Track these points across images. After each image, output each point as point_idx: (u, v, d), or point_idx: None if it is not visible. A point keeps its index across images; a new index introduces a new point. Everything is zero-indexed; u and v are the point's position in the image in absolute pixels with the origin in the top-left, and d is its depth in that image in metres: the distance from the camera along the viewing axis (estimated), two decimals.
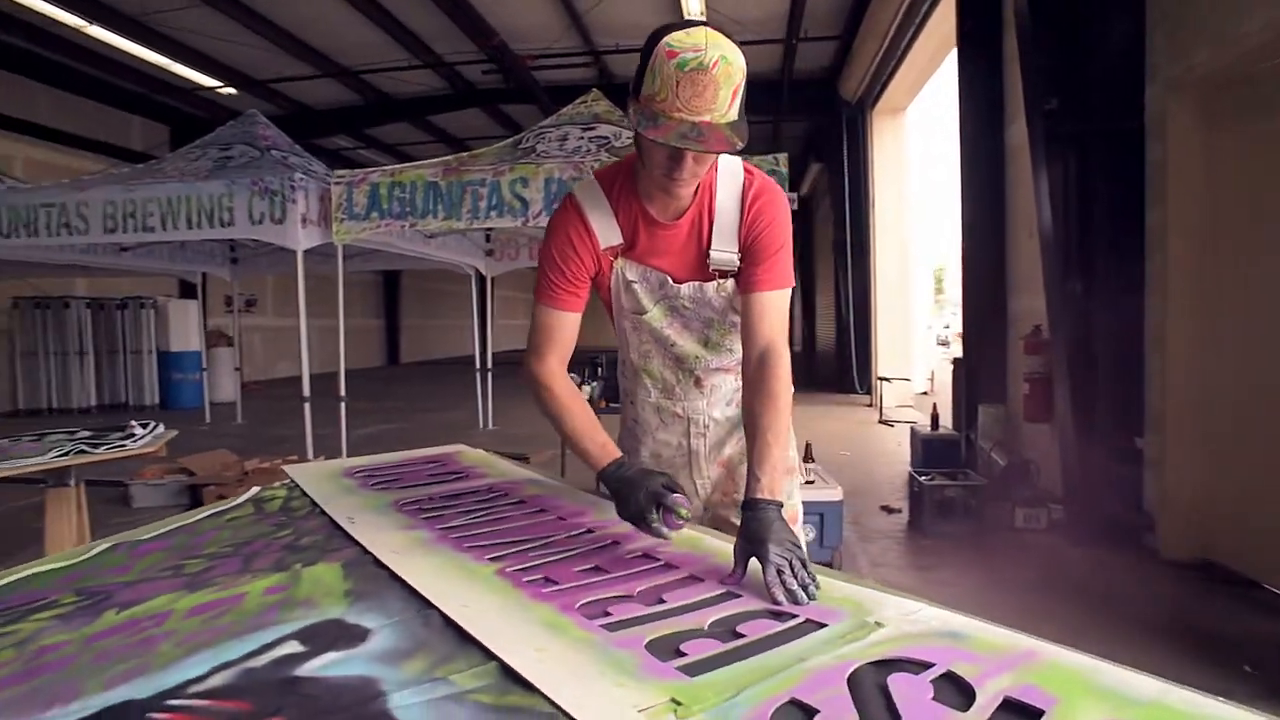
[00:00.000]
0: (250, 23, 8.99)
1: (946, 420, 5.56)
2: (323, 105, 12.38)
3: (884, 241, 9.47)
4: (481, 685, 0.83)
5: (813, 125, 12.29)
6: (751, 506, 1.19)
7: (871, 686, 0.80)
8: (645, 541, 1.30)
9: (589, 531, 1.40)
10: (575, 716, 0.74)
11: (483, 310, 8.72)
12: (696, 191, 1.37)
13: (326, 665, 0.89)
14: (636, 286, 1.46)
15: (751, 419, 1.31)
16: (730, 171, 1.41)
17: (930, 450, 4.77)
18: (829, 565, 3.30)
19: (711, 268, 1.42)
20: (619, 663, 0.86)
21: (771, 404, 1.29)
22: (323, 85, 11.31)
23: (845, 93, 9.81)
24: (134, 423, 2.97)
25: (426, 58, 10.35)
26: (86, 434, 2.85)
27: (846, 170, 9.86)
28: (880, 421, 7.80)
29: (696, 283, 1.44)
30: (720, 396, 1.59)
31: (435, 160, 5.14)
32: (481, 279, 8.49)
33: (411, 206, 4.94)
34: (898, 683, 0.80)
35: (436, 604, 1.06)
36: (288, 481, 1.93)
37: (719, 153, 1.22)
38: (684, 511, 1.22)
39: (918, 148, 9.81)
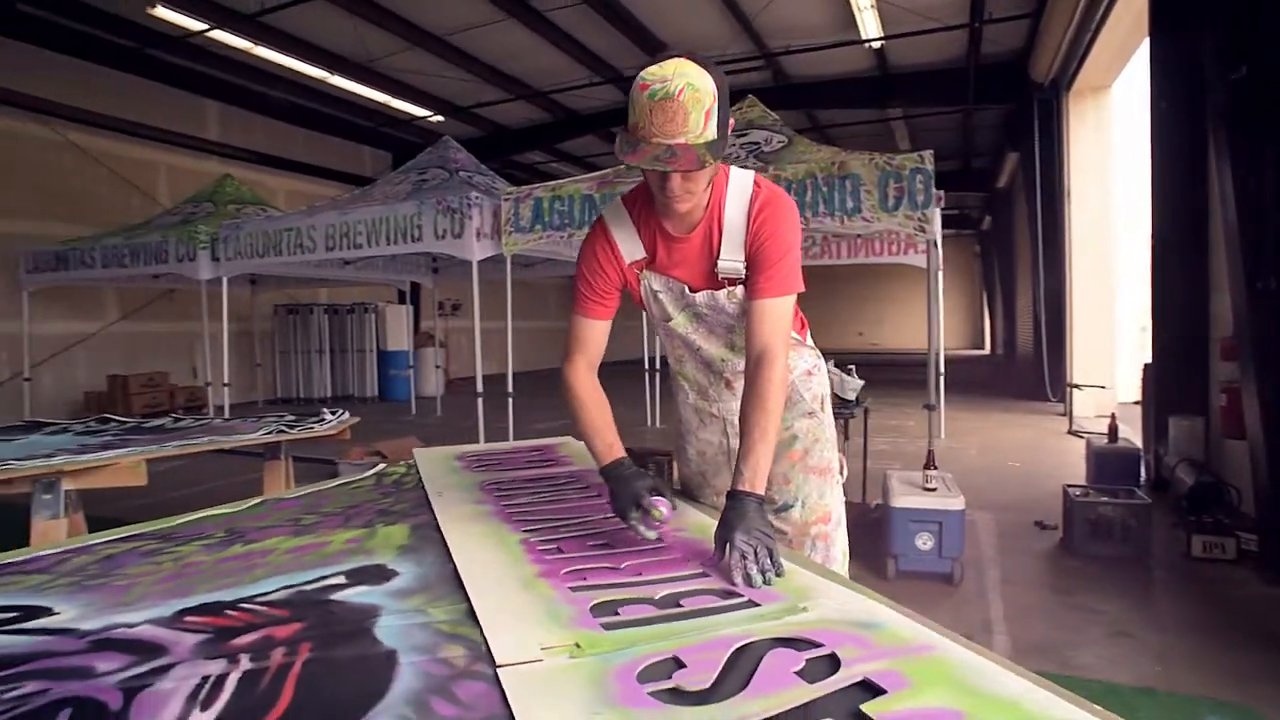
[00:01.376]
0: (454, 59, 10.10)
1: (1138, 432, 4.94)
2: (517, 125, 13.52)
3: (1082, 235, 8.50)
4: (448, 619, 1.04)
5: (1006, 112, 11.33)
6: (732, 497, 1.28)
7: (751, 657, 0.89)
8: (663, 527, 1.43)
9: None
10: (490, 644, 0.92)
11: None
12: (708, 205, 1.48)
13: (352, 595, 1.15)
14: (662, 296, 1.59)
15: (743, 417, 1.39)
16: (740, 186, 1.49)
17: (1103, 464, 4.30)
18: (948, 576, 3.16)
19: (720, 276, 1.51)
20: (557, 615, 1.03)
21: (760, 404, 1.36)
22: (516, 107, 12.36)
23: (1036, 74, 8.95)
24: (325, 410, 3.57)
25: (606, 74, 10.97)
26: (291, 418, 3.49)
27: (1039, 157, 8.99)
28: (1070, 432, 7.07)
29: (709, 291, 1.54)
30: None
31: (592, 174, 5.51)
32: None
33: (570, 218, 5.36)
34: (775, 656, 0.88)
35: (455, 560, 1.29)
36: (411, 461, 2.30)
37: (685, 171, 1.30)
38: (657, 513, 1.32)
39: (1125, 129, 8.64)
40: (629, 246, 1.56)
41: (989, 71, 9.88)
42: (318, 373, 11.97)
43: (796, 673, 0.84)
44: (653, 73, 1.27)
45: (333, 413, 3.56)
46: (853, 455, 4.28)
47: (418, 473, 2.12)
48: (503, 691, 0.81)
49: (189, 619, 1.06)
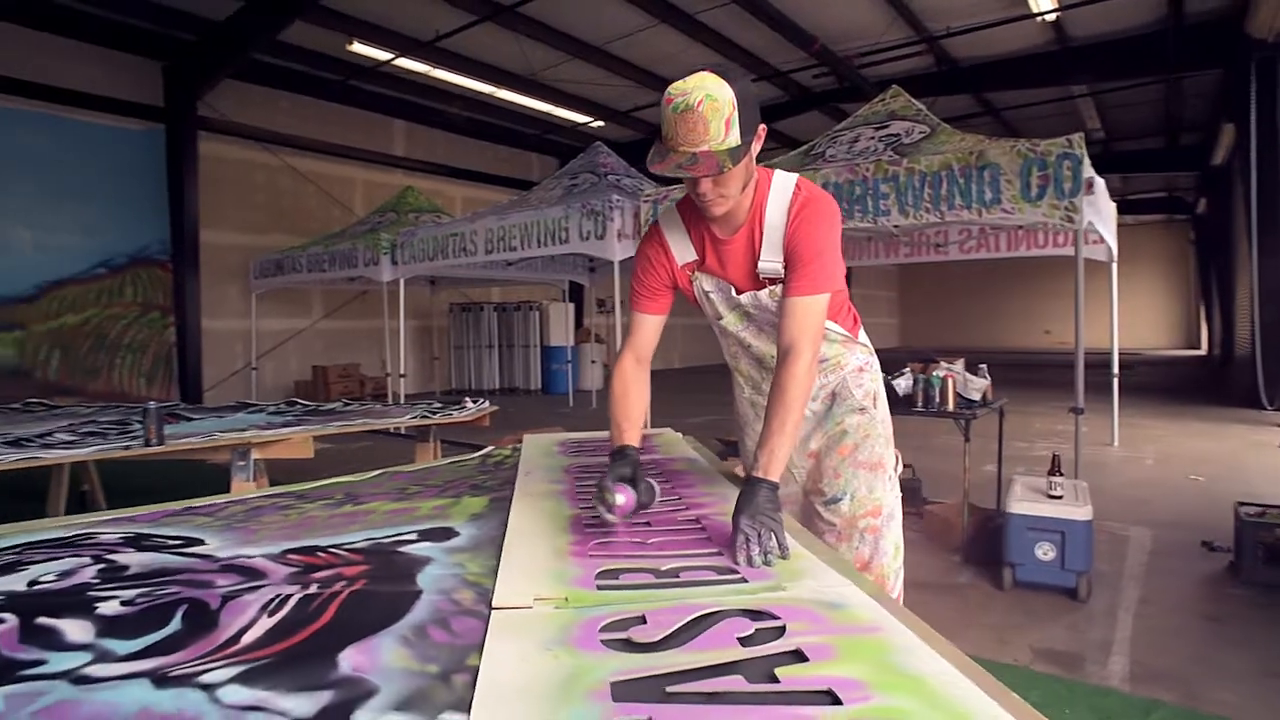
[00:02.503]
0: (610, 66, 10.55)
1: None
2: None
3: None
4: (478, 571, 1.22)
5: (1221, 79, 9.92)
6: (746, 483, 1.36)
7: (708, 622, 0.98)
8: (704, 510, 1.54)
9: (678, 498, 1.68)
10: (494, 591, 1.09)
11: None
12: (750, 208, 1.55)
13: (415, 549, 1.37)
14: (713, 296, 1.68)
15: (766, 409, 1.46)
16: (782, 188, 1.55)
17: None
18: (1071, 591, 2.94)
19: (762, 277, 1.58)
20: (563, 575, 1.18)
21: (781, 397, 1.42)
22: None
23: (1255, 30, 7.77)
24: (467, 399, 3.97)
25: (759, 71, 10.93)
26: (438, 405, 3.92)
27: (1255, 128, 7.80)
28: None
29: (753, 292, 1.62)
30: None
31: None
32: None
33: None
34: (729, 623, 0.97)
35: (509, 527, 1.48)
36: (518, 444, 2.55)
37: (704, 176, 1.39)
38: (610, 497, 1.39)
39: None
40: (681, 249, 1.66)
41: (1194, 33, 8.73)
42: (487, 366, 12.98)
43: (739, 638, 0.93)
44: (677, 87, 1.37)
45: (474, 401, 3.94)
46: (980, 458, 4.06)
47: (518, 454, 2.36)
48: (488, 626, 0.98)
49: (290, 556, 1.33)
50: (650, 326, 1.70)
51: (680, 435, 2.63)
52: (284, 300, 10.83)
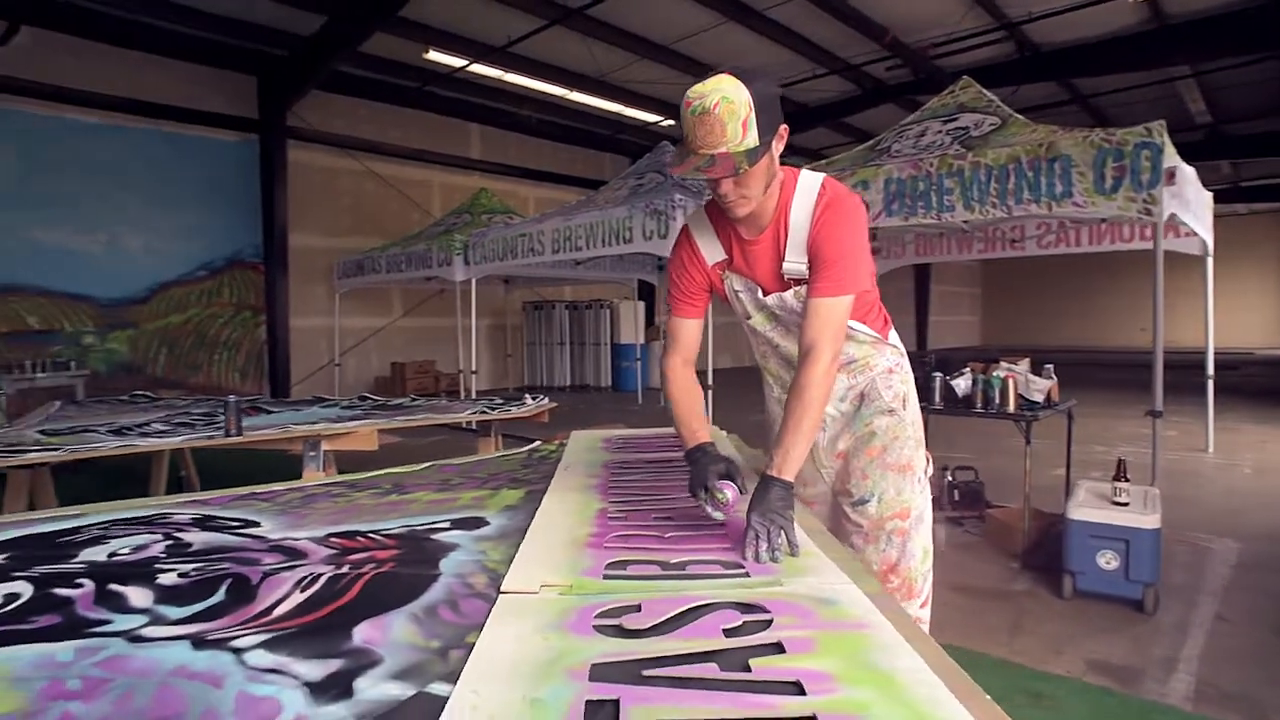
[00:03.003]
0: (679, 65, 10.57)
1: None
2: None
3: None
4: (498, 558, 1.30)
5: None
6: (760, 481, 1.38)
7: (699, 613, 1.02)
8: (729, 509, 1.57)
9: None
10: (506, 577, 1.16)
11: None
12: (776, 209, 1.56)
13: (446, 536, 1.46)
14: (742, 295, 1.70)
15: (785, 407, 1.47)
16: (807, 189, 1.55)
17: None
18: (1137, 603, 2.80)
19: (786, 278, 1.59)
20: (575, 564, 1.24)
21: (798, 396, 1.43)
22: None
23: None
24: (527, 396, 4.09)
25: (831, 65, 10.75)
26: (500, 401, 4.06)
27: None
28: None
29: (778, 293, 1.63)
30: (834, 394, 1.71)
31: None
32: None
33: None
34: (718, 614, 1.01)
35: (535, 518, 1.55)
36: (565, 440, 2.63)
37: (720, 178, 1.41)
38: (722, 495, 1.39)
39: None
40: (710, 249, 1.69)
41: None
42: (559, 363, 13.24)
43: (725, 629, 0.97)
44: (695, 90, 1.40)
45: (533, 398, 4.07)
46: (1043, 462, 3.91)
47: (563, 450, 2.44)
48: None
49: (331, 539, 1.44)
50: (691, 330, 1.72)
51: (724, 434, 2.65)
52: (365, 299, 11.34)
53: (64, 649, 0.95)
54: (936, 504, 4.30)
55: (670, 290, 1.76)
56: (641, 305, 13.11)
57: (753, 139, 1.38)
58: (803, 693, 0.79)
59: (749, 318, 1.74)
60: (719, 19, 9.26)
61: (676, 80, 10.99)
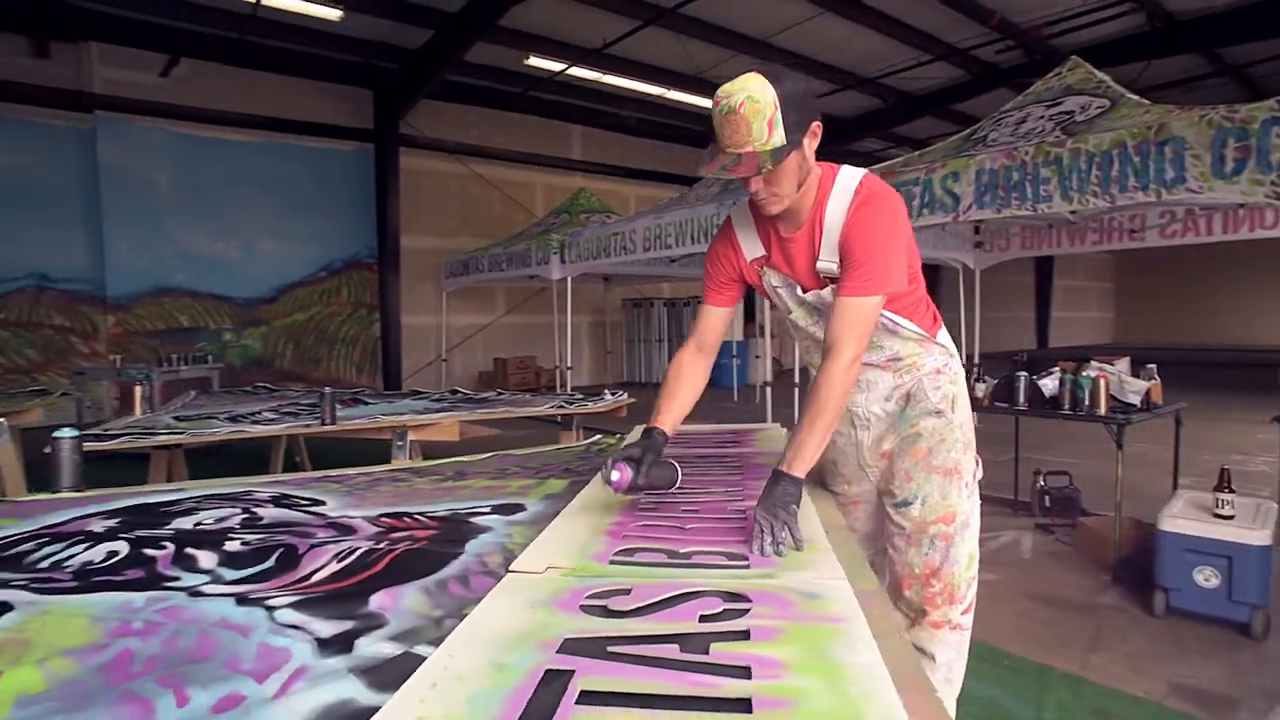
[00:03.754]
0: (776, 59, 10.37)
1: None
2: (848, 114, 13.35)
3: None
4: (519, 542, 1.39)
5: None
6: (771, 476, 1.40)
7: (686, 598, 1.07)
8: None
9: (741, 490, 1.75)
10: (518, 558, 1.25)
11: (944, 303, 8.36)
12: (812, 207, 1.54)
13: (483, 519, 1.57)
14: (781, 291, 1.69)
15: (804, 404, 1.47)
16: (844, 186, 1.52)
17: None
18: (1243, 626, 2.57)
19: (821, 276, 1.57)
20: (586, 548, 1.31)
21: (814, 394, 1.43)
22: (845, 97, 12.24)
23: None
24: (607, 391, 4.21)
25: (936, 51, 10.31)
26: (579, 396, 4.20)
27: None
28: None
29: (816, 290, 1.61)
30: (879, 393, 1.70)
31: (875, 167, 5.38)
32: (970, 273, 8.16)
33: None
34: (700, 601, 1.05)
35: (568, 505, 1.63)
36: (628, 434, 2.71)
37: (744, 176, 1.42)
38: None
39: None
40: (750, 244, 1.69)
41: None
42: (657, 359, 13.38)
43: (702, 615, 1.01)
44: (723, 90, 1.41)
45: (612, 393, 4.18)
46: (1135, 464, 3.61)
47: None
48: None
49: (381, 519, 1.58)
50: (716, 318, 1.75)
51: (785, 431, 2.65)
52: (471, 297, 11.89)
53: (138, 598, 1.12)
54: (1027, 509, 4.10)
55: (705, 277, 1.78)
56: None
57: (779, 138, 1.38)
58: (749, 677, 0.83)
59: (790, 313, 1.74)
60: (815, 10, 9.08)
61: None
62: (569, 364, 8.94)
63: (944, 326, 1.75)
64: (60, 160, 8.39)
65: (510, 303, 12.47)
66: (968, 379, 3.87)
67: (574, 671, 0.84)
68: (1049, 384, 3.25)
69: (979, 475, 1.73)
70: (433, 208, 11.45)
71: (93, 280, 8.62)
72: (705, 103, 11.62)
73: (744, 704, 0.77)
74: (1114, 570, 3.10)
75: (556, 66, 10.05)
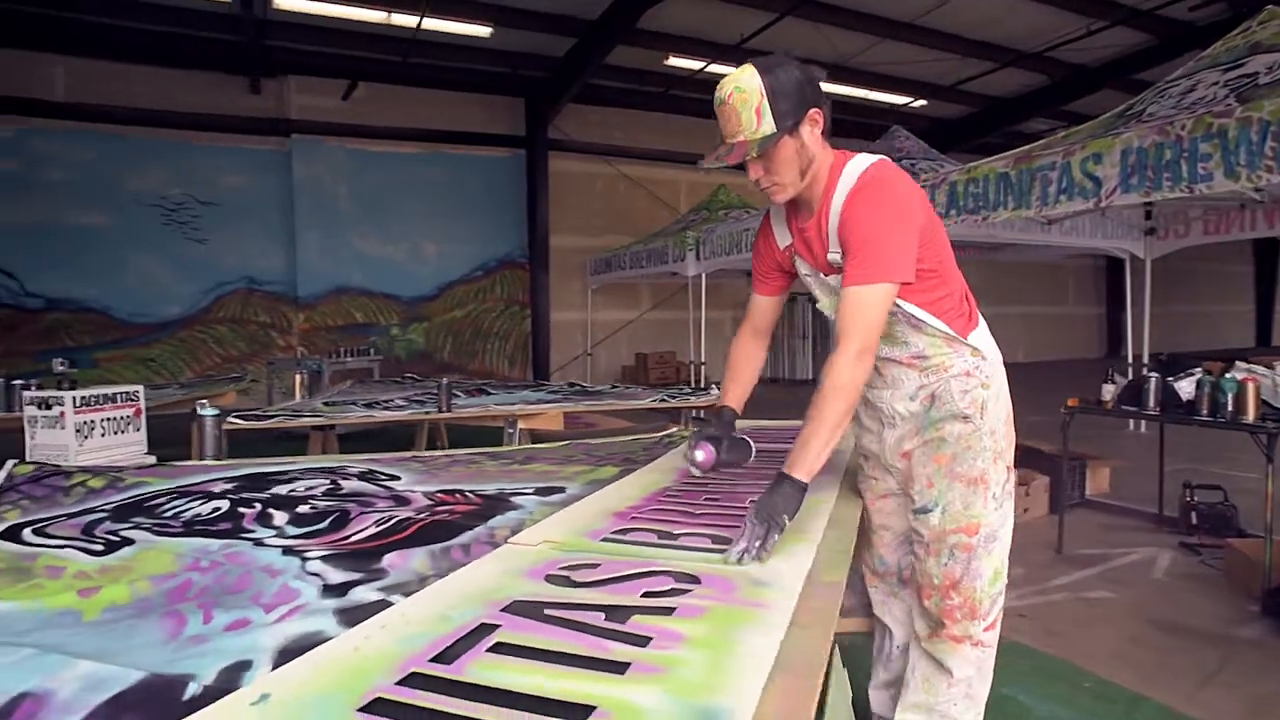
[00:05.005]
0: (926, 40, 9.90)
1: None
2: (1012, 93, 12.36)
3: None
4: (535, 518, 1.54)
5: None
6: (775, 477, 1.38)
7: (642, 576, 1.16)
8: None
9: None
10: (511, 533, 1.40)
11: (1120, 296, 7.49)
12: (822, 195, 1.53)
13: (522, 499, 1.73)
14: (810, 280, 1.68)
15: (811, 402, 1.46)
16: (850, 175, 1.50)
17: None
18: None
19: (833, 266, 1.55)
20: (587, 527, 1.43)
21: (818, 391, 1.41)
22: (1006, 75, 11.36)
23: None
24: (714, 385, 4.28)
25: (1112, 16, 9.30)
26: (686, 390, 4.32)
27: None
28: None
29: (836, 276, 1.57)
30: (904, 391, 1.65)
31: (1010, 152, 5.00)
32: (1137, 263, 7.31)
33: (984, 200, 4.99)
34: (655, 579, 1.14)
35: (601, 490, 1.76)
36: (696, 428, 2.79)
37: (731, 164, 1.45)
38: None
39: None
40: (781, 234, 1.70)
41: None
42: (800, 356, 13.18)
43: (646, 591, 1.10)
44: (720, 83, 1.47)
45: (717, 387, 4.25)
46: None
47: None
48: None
49: (436, 494, 1.79)
50: (765, 306, 1.80)
51: None
52: (616, 293, 12.31)
53: (215, 543, 1.39)
54: (1173, 525, 3.68)
55: (752, 269, 1.82)
56: None
57: (768, 126, 1.41)
58: (644, 645, 0.91)
59: (817, 302, 1.74)
60: None
61: (923, 58, 10.34)
62: (703, 359, 9.04)
63: (983, 328, 1.67)
64: (265, 180, 9.72)
65: (654, 299, 12.77)
66: (1110, 379, 3.57)
67: (500, 626, 0.97)
68: (1185, 387, 2.92)
69: (1010, 488, 1.64)
70: (580, 208, 11.97)
71: (288, 282, 9.91)
72: (850, 91, 11.29)
73: (623, 666, 0.86)
74: (1263, 601, 2.74)
75: (696, 65, 10.16)
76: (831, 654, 1.15)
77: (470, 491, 1.81)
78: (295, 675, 0.85)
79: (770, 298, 1.79)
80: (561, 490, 1.82)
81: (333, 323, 10.12)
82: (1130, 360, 7.15)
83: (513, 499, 1.74)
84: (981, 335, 1.66)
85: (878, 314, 1.45)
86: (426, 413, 3.52)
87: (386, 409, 3.65)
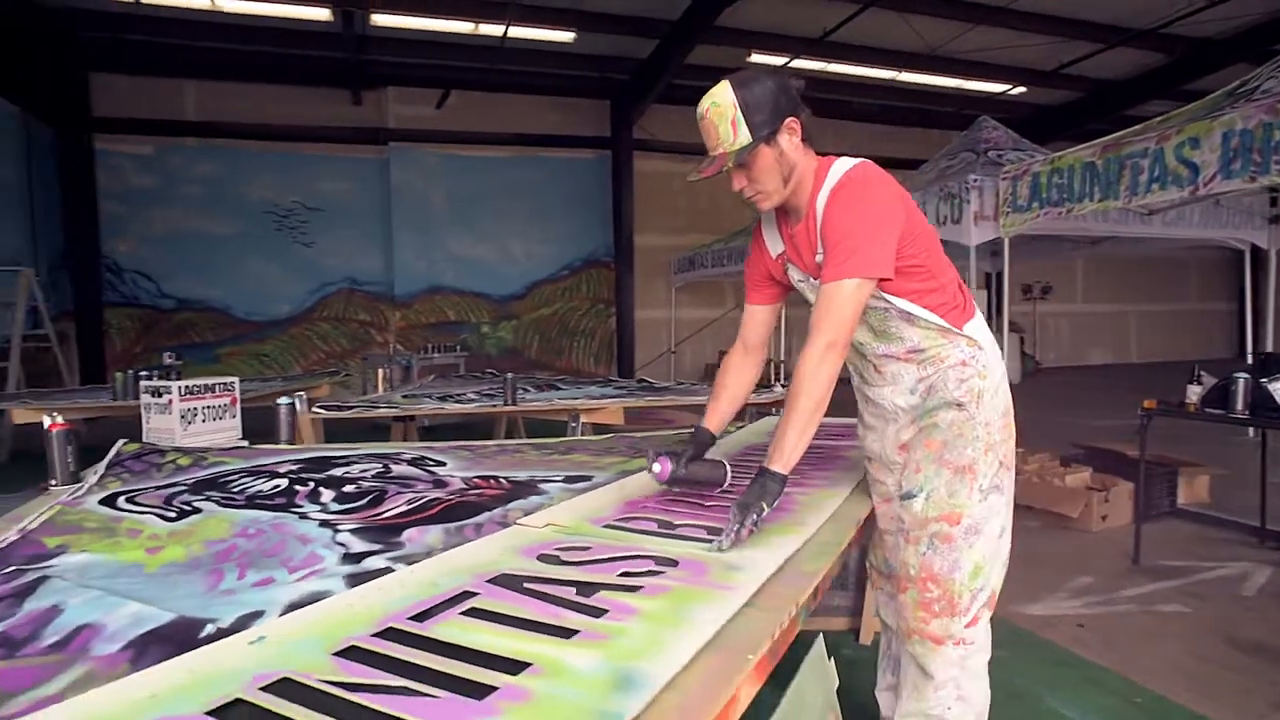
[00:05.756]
0: (1023, 24, 9.40)
1: None
2: (1123, 75, 11.54)
3: None
4: (554, 500, 1.64)
5: None
6: (757, 471, 1.44)
7: (625, 559, 1.24)
8: (792, 490, 1.70)
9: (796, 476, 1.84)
10: (525, 515, 1.50)
11: (1242, 293, 6.86)
12: (808, 201, 1.55)
13: (550, 485, 1.85)
14: (802, 286, 1.68)
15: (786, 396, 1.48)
16: (833, 176, 1.52)
17: None
18: None
19: (820, 268, 1.54)
20: (595, 513, 1.52)
21: (791, 386, 1.45)
22: (1115, 56, 10.62)
23: None
24: (777, 384, 4.29)
25: None
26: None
27: None
28: None
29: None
30: (904, 386, 1.63)
31: (1097, 141, 4.72)
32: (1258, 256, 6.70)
33: (1068, 191, 4.75)
34: (636, 561, 1.22)
35: (623, 479, 1.85)
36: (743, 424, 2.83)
37: (710, 176, 1.50)
38: (653, 466, 1.62)
39: None
40: (772, 241, 1.72)
41: None
42: None
43: (624, 571, 1.18)
44: (700, 100, 1.51)
45: (782, 385, 4.27)
46: None
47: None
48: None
49: (474, 479, 1.93)
50: (757, 317, 1.79)
51: None
52: (700, 292, 12.34)
53: (266, 515, 1.57)
54: (1276, 541, 3.39)
55: (744, 278, 1.83)
56: (988, 294, 11.94)
57: (743, 137, 1.45)
58: (598, 616, 0.99)
59: (810, 304, 1.75)
60: None
61: (1020, 42, 9.81)
62: (783, 357, 8.97)
63: (979, 320, 1.63)
64: (365, 186, 10.35)
65: (737, 298, 12.72)
66: (1196, 380, 3.34)
67: (479, 594, 1.07)
68: (1278, 388, 2.71)
69: (1002, 483, 1.58)
70: (663, 207, 12.08)
71: (386, 282, 10.51)
72: (940, 81, 10.86)
73: (572, 633, 0.94)
74: None
75: (778, 61, 10.06)
76: (814, 644, 1.19)
77: (504, 478, 1.94)
78: (291, 622, 0.98)
79: (763, 306, 1.79)
80: (589, 479, 1.92)
81: (427, 320, 10.66)
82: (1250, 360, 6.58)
83: (540, 485, 1.85)
84: (977, 326, 1.62)
85: (849, 308, 1.46)
86: (493, 406, 3.71)
87: (458, 402, 3.87)
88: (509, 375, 3.79)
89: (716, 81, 1.51)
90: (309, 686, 0.80)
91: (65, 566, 1.25)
